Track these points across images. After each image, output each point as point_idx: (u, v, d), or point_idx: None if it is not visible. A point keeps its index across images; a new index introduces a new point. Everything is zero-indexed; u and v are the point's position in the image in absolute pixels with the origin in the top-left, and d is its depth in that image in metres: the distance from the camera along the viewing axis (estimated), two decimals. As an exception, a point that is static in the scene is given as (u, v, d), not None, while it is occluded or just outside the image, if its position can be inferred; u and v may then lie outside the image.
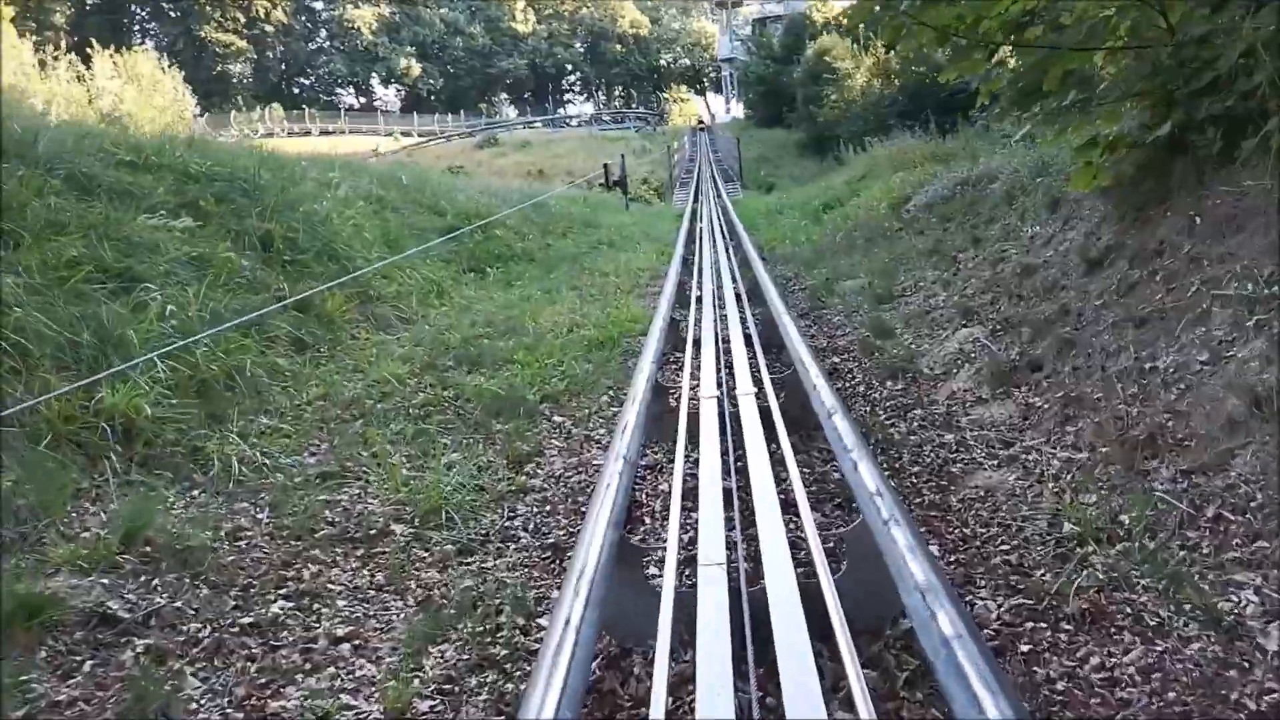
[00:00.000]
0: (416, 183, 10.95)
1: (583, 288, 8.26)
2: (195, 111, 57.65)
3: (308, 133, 62.60)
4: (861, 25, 39.44)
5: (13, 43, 49.05)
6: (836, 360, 5.76)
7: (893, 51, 40.45)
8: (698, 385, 4.57)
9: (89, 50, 49.59)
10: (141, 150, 6.68)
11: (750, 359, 5.00)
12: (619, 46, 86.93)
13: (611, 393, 5.00)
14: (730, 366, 4.94)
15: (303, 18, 79.24)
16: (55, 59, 47.44)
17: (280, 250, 6.24)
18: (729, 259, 8.99)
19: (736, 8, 71.75)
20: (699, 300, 6.88)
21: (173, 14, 71.03)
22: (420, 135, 64.73)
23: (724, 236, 11.30)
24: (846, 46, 42.45)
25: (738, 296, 7.04)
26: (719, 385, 4.40)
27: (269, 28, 73.51)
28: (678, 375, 5.06)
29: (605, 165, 16.15)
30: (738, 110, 69.25)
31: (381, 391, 4.77)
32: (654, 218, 17.02)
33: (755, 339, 5.69)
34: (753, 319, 6.26)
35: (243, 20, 71.50)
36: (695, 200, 19.99)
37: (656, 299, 7.11)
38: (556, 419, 4.60)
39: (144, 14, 72.15)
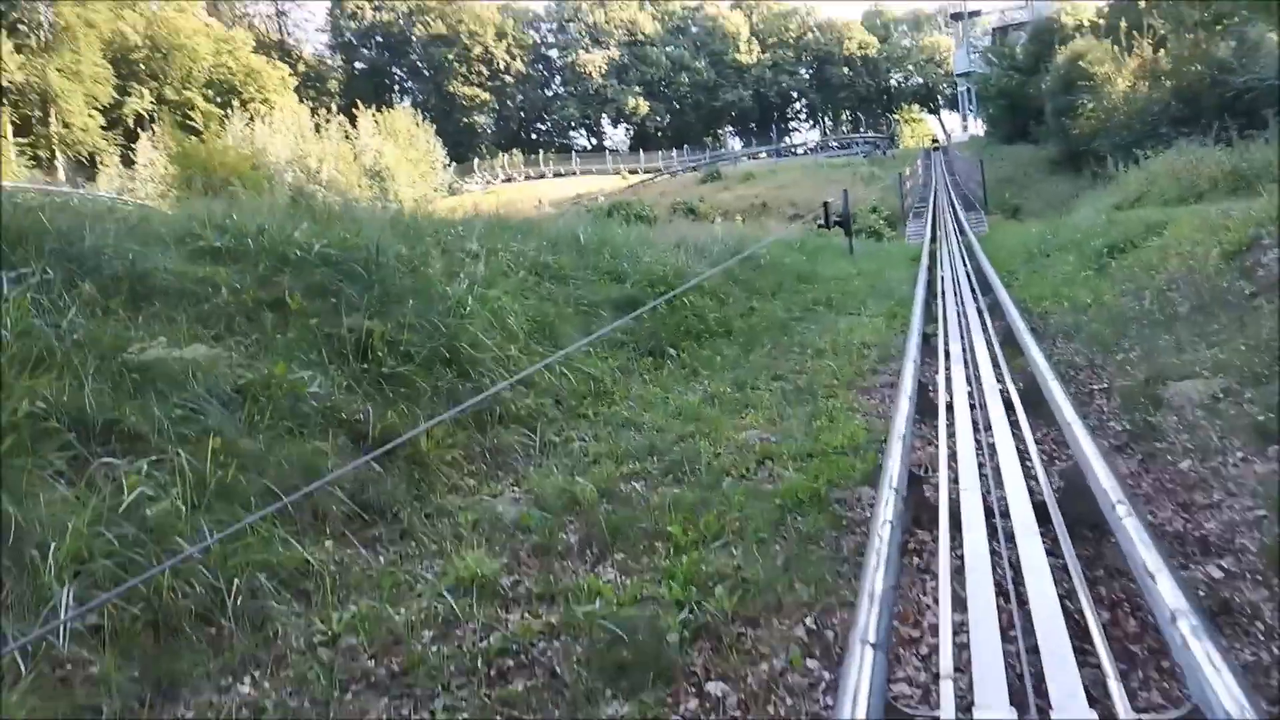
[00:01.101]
0: (596, 241, 9.52)
1: (787, 377, 6.55)
2: (444, 161, 63.01)
3: (542, 176, 65.77)
4: (1124, 22, 35.22)
5: (293, 107, 55.74)
6: (1226, 593, 2.88)
7: (1163, 50, 35.91)
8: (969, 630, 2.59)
9: (354, 111, 55.52)
10: (242, 232, 5.47)
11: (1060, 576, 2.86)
12: (846, 70, 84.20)
13: (810, 619, 2.91)
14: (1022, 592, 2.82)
15: (539, 66, 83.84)
16: (327, 121, 53.45)
17: (379, 359, 4.67)
18: (985, 334, 6.81)
19: (974, 17, 66.80)
20: (950, 411, 4.76)
21: (426, 72, 77.45)
22: (646, 172, 65.93)
23: (973, 291, 9.12)
24: (1106, 48, 38.14)
25: (1008, 406, 4.85)
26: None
27: (509, 78, 78.31)
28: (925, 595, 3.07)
29: (825, 204, 14.04)
30: (975, 127, 64.44)
31: (451, 611, 3.01)
32: (883, 261, 14.67)
33: (1055, 511, 3.29)
34: (1040, 457, 4.00)
35: (486, 73, 76.66)
36: (933, 235, 17.52)
37: (884, 405, 5.41)
38: (710, 689, 2.59)
39: (402, 73, 79.21)
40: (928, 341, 6.75)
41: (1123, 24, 38.15)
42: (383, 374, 4.67)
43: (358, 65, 78.21)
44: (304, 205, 7.98)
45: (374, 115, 54.20)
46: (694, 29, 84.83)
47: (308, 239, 5.39)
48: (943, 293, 9.21)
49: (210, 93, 53.93)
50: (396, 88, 76.20)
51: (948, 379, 5.44)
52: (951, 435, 4.41)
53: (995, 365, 5.65)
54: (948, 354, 6.12)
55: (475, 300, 5.70)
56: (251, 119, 47.75)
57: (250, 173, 38.72)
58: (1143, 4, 42.28)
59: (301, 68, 69.78)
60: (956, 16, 66.37)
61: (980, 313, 7.47)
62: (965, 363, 5.77)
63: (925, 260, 12.69)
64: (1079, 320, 6.92)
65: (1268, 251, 5.67)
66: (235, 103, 50.51)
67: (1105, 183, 30.93)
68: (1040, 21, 52.98)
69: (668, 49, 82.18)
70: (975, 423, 4.66)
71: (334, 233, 5.66)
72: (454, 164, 64.37)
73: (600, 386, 6.01)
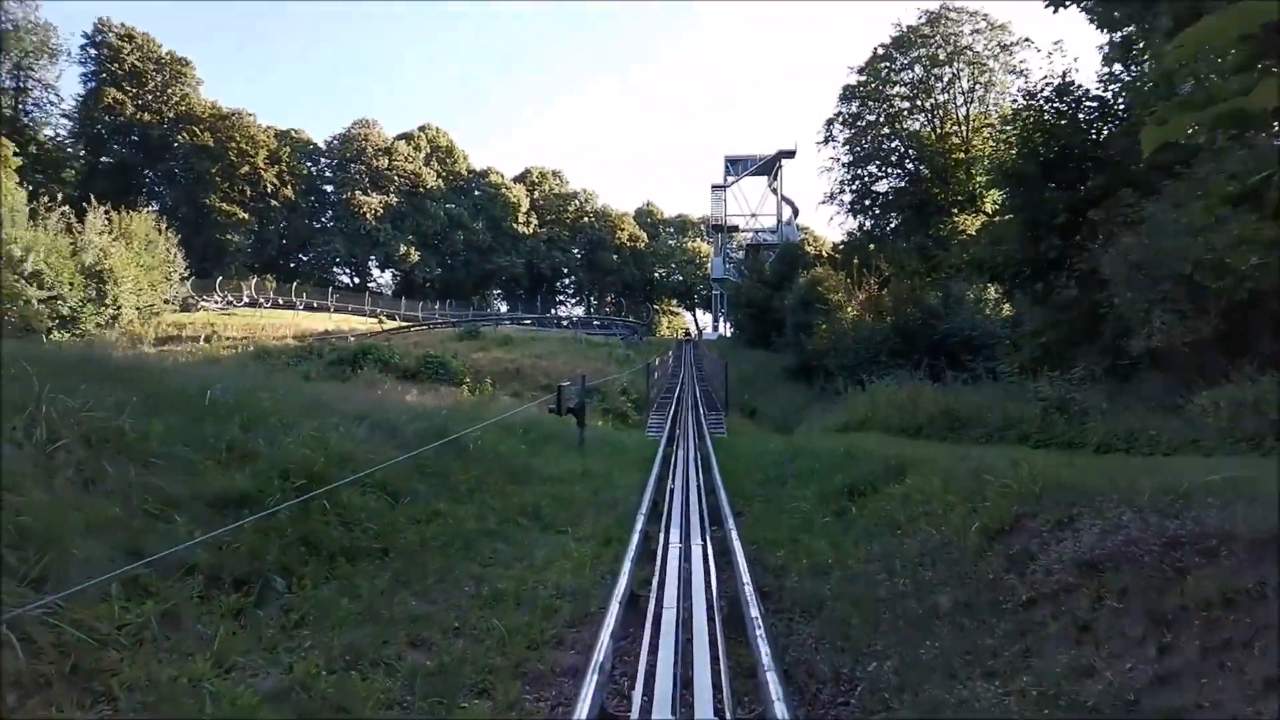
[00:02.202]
0: (230, 403, 7.05)
1: (434, 643, 4.53)
2: (183, 273, 56.99)
3: (292, 306, 61.25)
4: (856, 259, 39.19)
5: (10, 188, 48.66)
6: None
7: (886, 289, 40.29)
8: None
9: (85, 205, 49.21)
10: None
11: None
12: (615, 256, 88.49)
13: None
14: None
15: (311, 197, 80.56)
16: (48, 209, 46.80)
17: None
18: (708, 597, 5.26)
19: (732, 232, 73.23)
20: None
21: (182, 180, 71.69)
22: (406, 319, 63.51)
23: (702, 522, 7.63)
24: (840, 279, 42.15)
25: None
26: None
27: (275, 203, 74.23)
28: None
29: (559, 388, 12.43)
30: (725, 329, 69.03)
31: None
32: (615, 460, 12.97)
33: None
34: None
35: (250, 193, 72.21)
36: (672, 435, 16.56)
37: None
38: None
39: (155, 176, 72.81)
40: (636, 603, 5.15)
41: (855, 260, 42.69)
42: None
43: (104, 160, 70.94)
44: None
45: (107, 213, 48.49)
46: (476, 192, 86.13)
47: None
48: (669, 515, 7.83)
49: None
50: (145, 190, 69.52)
51: (649, 677, 3.82)
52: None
53: (714, 662, 4.11)
54: (657, 627, 4.52)
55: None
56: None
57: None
58: (871, 246, 47.95)
59: (32, 149, 61.88)
60: (717, 229, 72.31)
61: (706, 559, 5.93)
62: (675, 649, 4.19)
63: (658, 465, 11.60)
64: (820, 590, 5.58)
65: (1033, 540, 4.79)
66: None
67: (832, 398, 33.01)
68: (787, 245, 58.70)
69: (448, 206, 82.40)
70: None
71: None
72: (194, 278, 58.54)
73: (94, 660, 3.48)
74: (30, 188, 50.12)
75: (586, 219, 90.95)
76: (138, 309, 49.13)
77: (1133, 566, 3.90)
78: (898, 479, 7.50)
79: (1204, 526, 3.78)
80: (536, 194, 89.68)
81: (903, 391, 18.73)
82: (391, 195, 79.08)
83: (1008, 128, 22.13)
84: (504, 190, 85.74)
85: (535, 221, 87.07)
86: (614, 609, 4.48)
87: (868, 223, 52.73)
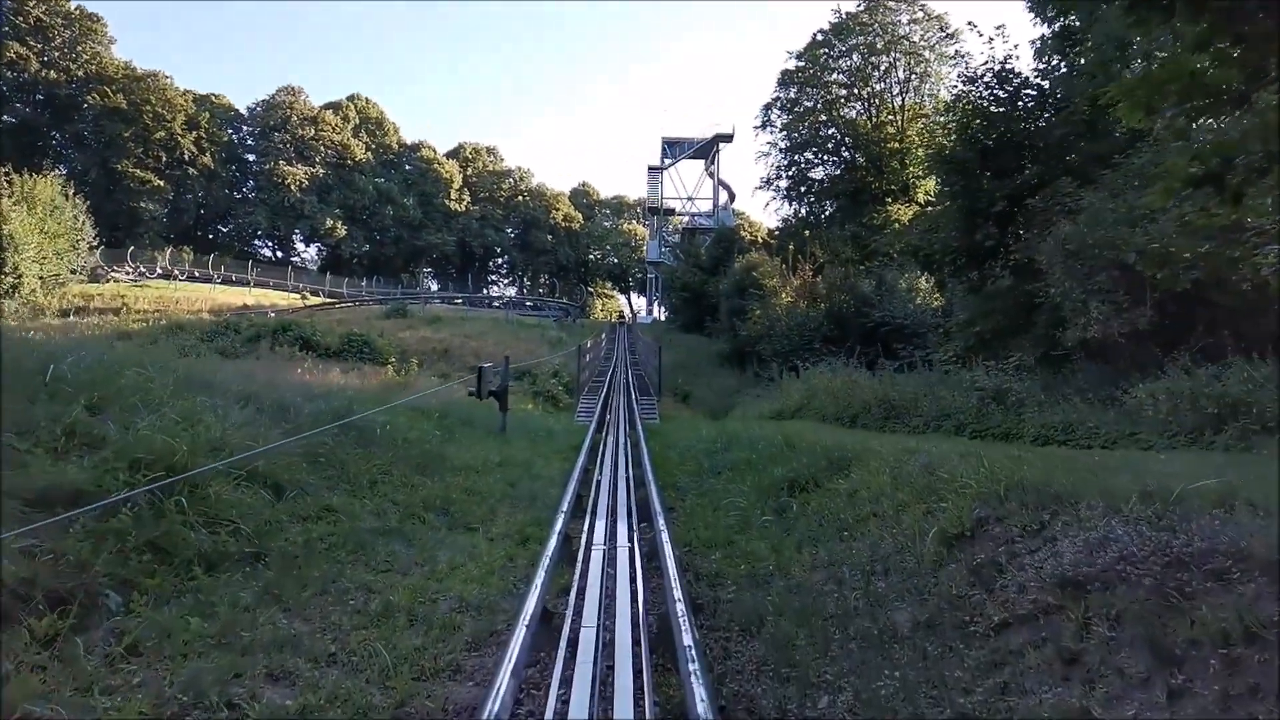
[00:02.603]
0: (84, 378, 5.91)
1: (299, 675, 3.71)
2: (92, 242, 53.74)
3: (209, 279, 58.51)
4: (792, 245, 39.16)
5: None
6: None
7: (820, 275, 40.37)
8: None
9: (-20, 168, 45.77)
10: None
11: None
12: (550, 236, 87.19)
13: None
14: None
15: (232, 166, 77.10)
16: (-65, 171, 43.30)
17: None
18: (634, 611, 4.59)
19: (668, 215, 72.66)
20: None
21: (92, 144, 67.71)
22: (330, 296, 61.33)
23: (629, 519, 6.95)
24: (774, 265, 42.04)
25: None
26: None
27: (193, 170, 70.75)
28: None
29: (480, 370, 11.51)
30: (659, 312, 68.59)
31: None
32: (538, 447, 12.11)
33: None
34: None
35: (165, 160, 68.64)
36: (602, 421, 15.78)
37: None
38: None
39: (63, 139, 68.56)
40: (550, 621, 4.41)
41: (790, 247, 42.61)
42: None
43: (7, 119, 66.42)
44: None
45: (6, 175, 45.26)
46: (408, 167, 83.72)
47: None
48: (594, 510, 7.14)
49: None
50: (52, 153, 65.36)
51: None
52: None
53: (638, 703, 3.44)
54: (573, 652, 3.85)
55: None
56: None
57: None
58: (807, 233, 48.03)
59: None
60: (653, 211, 71.59)
61: (633, 564, 5.35)
62: (592, 682, 3.52)
63: (585, 453, 10.66)
64: (760, 603, 4.85)
65: (1000, 549, 4.23)
66: None
67: (766, 384, 32.84)
68: (723, 230, 58.43)
69: (377, 180, 79.87)
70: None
71: None
72: (105, 248, 55.34)
73: None
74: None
75: (521, 198, 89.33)
76: (41, 279, 46.18)
77: (1127, 588, 3.37)
78: (841, 473, 6.96)
79: (1212, 543, 3.28)
80: (470, 171, 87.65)
81: (839, 379, 18.45)
82: (318, 167, 76.23)
83: (946, 115, 22.01)
84: (436, 165, 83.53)
85: (468, 199, 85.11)
86: (520, 633, 3.77)
87: (803, 209, 52.84)
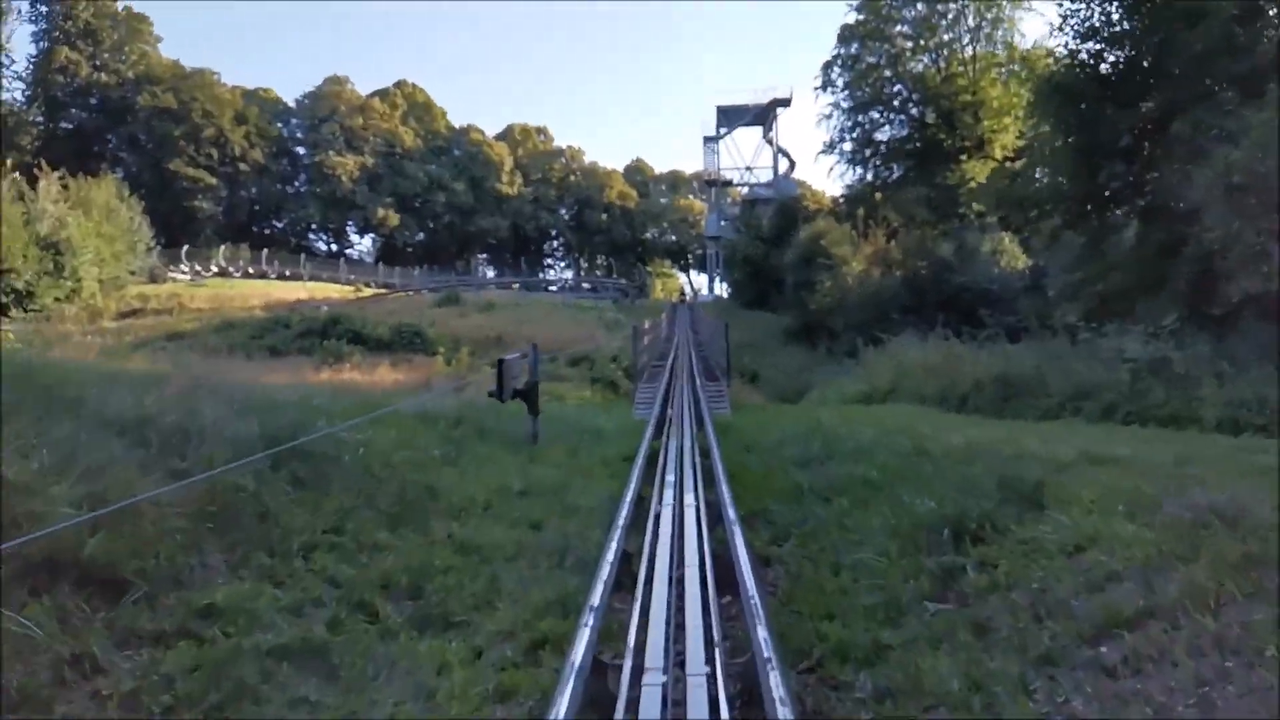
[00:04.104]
0: None
1: None
2: (150, 243, 53.58)
3: (264, 275, 58.04)
4: (861, 210, 36.26)
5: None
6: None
7: (894, 241, 37.50)
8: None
9: (35, 171, 45.74)
10: None
11: None
12: (604, 216, 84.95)
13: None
14: None
15: (283, 160, 76.73)
16: (-2, 177, 43.23)
17: None
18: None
19: (726, 187, 69.67)
20: None
21: (146, 145, 67.84)
22: (384, 287, 60.37)
23: (703, 581, 4.31)
24: (844, 231, 39.42)
25: None
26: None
27: (244, 166, 70.45)
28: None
29: (500, 363, 8.79)
30: (721, 289, 65.95)
31: None
32: (582, 458, 9.45)
33: None
34: None
35: (216, 157, 68.38)
36: (663, 413, 13.18)
37: None
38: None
39: (118, 142, 68.80)
40: None
41: (860, 212, 39.77)
42: None
43: (65, 125, 66.97)
44: None
45: (62, 180, 45.04)
46: (457, 152, 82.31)
47: None
48: (649, 577, 4.53)
49: None
50: (108, 156, 65.57)
51: None
52: None
53: None
54: None
55: None
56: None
57: None
58: (877, 196, 44.98)
59: (-15, 115, 58.04)
60: (710, 184, 68.74)
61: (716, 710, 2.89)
62: None
63: (640, 468, 7.97)
64: None
65: None
66: None
67: (840, 360, 30.30)
68: (785, 199, 55.53)
69: (428, 166, 78.67)
70: None
71: None
72: (162, 248, 55.24)
73: None
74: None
75: (573, 177, 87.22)
76: (100, 281, 45.96)
77: None
78: (1032, 506, 4.52)
79: None
80: (520, 152, 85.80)
81: (936, 353, 15.91)
82: (367, 156, 75.30)
83: (1048, 43, 19.01)
84: (486, 148, 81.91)
85: (520, 181, 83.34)
86: None
87: (869, 174, 49.80)
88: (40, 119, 65.58)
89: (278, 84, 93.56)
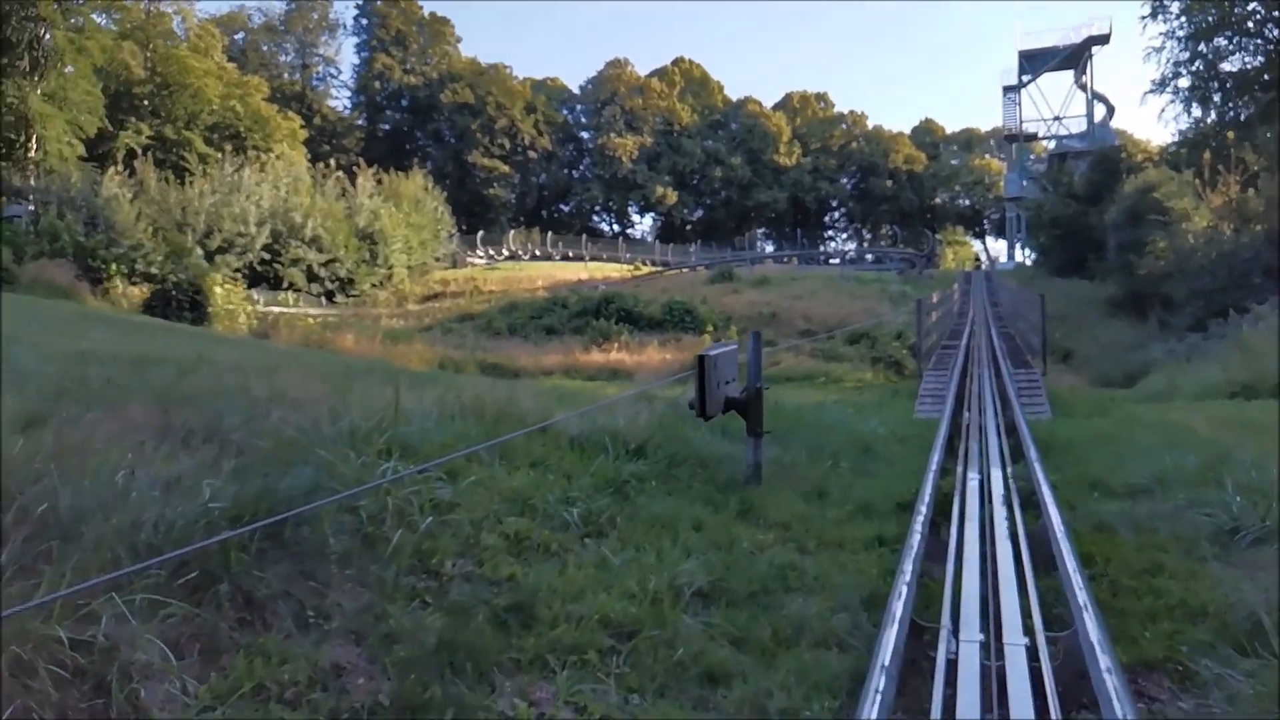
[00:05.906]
0: None
1: None
2: (451, 230, 58.44)
3: (549, 257, 61.01)
4: (1207, 154, 29.27)
5: (297, 159, 52.08)
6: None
7: (1253, 189, 30.20)
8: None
9: (354, 169, 51.41)
10: None
11: None
12: (890, 182, 79.62)
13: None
14: None
15: (568, 145, 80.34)
16: (324, 176, 49.29)
17: None
18: None
19: (1029, 141, 61.83)
20: None
21: (449, 139, 74.12)
22: (661, 264, 60.96)
23: None
24: (1184, 180, 32.84)
25: None
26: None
27: (533, 154, 74.60)
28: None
29: (700, 360, 6.24)
30: (1022, 256, 58.76)
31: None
32: (830, 510, 5.83)
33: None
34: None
35: (508, 146, 72.99)
36: (957, 417, 10.40)
37: None
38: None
39: (425, 138, 75.91)
40: None
41: (1206, 155, 32.75)
42: None
43: (382, 126, 75.34)
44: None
45: (376, 176, 50.16)
46: (733, 125, 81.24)
47: None
48: None
49: (215, 136, 50.40)
50: (419, 153, 72.71)
51: None
52: None
53: None
54: None
55: None
56: (243, 165, 43.80)
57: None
58: (1230, 135, 36.88)
59: (318, 121, 66.74)
60: (1011, 139, 61.35)
61: None
62: None
63: (920, 535, 4.56)
64: None
65: None
66: (228, 148, 46.85)
67: (1180, 335, 24.90)
68: (1103, 149, 47.92)
69: (705, 142, 78.43)
70: None
71: None
72: (460, 234, 60.14)
73: None
74: (325, 160, 53.44)
75: (855, 144, 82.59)
76: (409, 268, 50.62)
77: None
78: None
79: None
80: (798, 121, 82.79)
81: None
82: (645, 135, 76.56)
83: None
84: (763, 120, 79.94)
85: (798, 151, 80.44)
86: None
87: (1211, 114, 41.15)
88: (362, 122, 74.02)
89: (563, 72, 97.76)
